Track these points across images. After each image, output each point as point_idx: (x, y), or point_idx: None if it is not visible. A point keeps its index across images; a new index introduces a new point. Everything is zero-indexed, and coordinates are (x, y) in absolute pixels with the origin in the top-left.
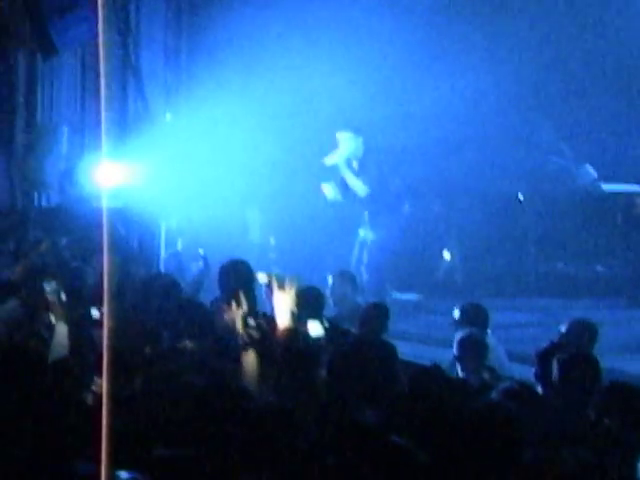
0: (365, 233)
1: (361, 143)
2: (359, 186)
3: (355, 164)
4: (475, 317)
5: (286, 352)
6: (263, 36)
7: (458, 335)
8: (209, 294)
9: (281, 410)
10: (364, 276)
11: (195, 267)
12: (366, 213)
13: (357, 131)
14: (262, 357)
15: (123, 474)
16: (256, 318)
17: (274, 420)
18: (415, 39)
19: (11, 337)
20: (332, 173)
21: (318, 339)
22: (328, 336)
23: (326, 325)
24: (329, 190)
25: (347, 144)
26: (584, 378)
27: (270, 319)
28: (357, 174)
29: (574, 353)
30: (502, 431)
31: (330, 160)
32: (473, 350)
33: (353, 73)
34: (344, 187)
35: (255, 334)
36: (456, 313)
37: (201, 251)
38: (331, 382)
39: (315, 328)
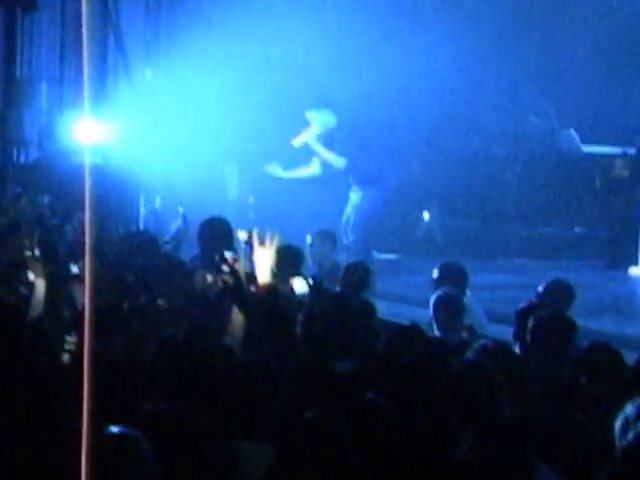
0: (354, 196)
1: (331, 116)
2: (334, 159)
3: (329, 138)
4: (454, 277)
5: (266, 308)
6: None
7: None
8: (188, 252)
9: (261, 365)
10: (350, 237)
11: (174, 225)
12: (352, 179)
13: (326, 106)
14: (238, 305)
15: (115, 429)
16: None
17: (254, 375)
18: (392, 9)
19: None
20: (305, 152)
21: (302, 296)
22: (312, 293)
23: (310, 283)
24: (274, 169)
25: (318, 121)
26: (556, 337)
27: (250, 276)
28: (331, 147)
29: (546, 313)
30: (479, 389)
31: (297, 141)
32: (448, 308)
33: (328, 47)
34: (322, 162)
35: (229, 279)
36: (435, 273)
37: (180, 209)
38: (309, 339)
39: (300, 285)
